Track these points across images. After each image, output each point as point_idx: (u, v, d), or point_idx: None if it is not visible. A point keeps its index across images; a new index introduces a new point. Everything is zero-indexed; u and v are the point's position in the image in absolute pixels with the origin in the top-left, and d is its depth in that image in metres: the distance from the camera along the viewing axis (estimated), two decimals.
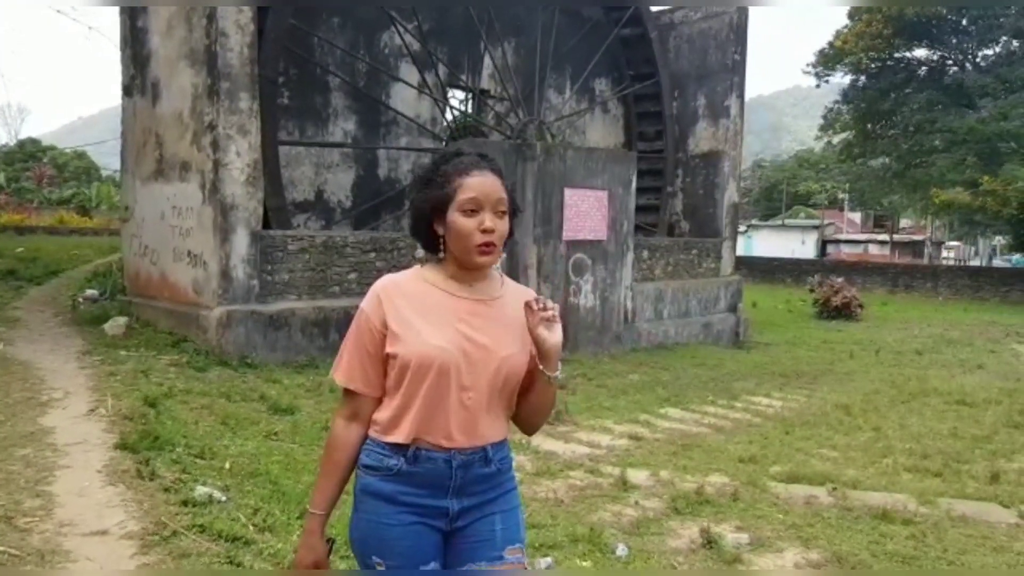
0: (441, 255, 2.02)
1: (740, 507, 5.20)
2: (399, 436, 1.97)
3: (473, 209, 1.94)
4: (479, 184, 1.94)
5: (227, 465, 5.18)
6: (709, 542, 4.46)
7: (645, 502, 5.26)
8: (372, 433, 2.02)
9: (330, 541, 2.07)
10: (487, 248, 1.94)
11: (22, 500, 4.14)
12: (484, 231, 1.93)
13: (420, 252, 2.01)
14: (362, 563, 2.03)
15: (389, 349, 1.97)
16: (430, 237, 2.01)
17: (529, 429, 2.16)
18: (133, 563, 3.51)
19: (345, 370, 2.04)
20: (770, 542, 4.60)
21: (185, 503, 4.24)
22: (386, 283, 2.03)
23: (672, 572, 4.14)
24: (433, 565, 1.99)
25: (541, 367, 2.00)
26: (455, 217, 1.94)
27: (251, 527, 4.06)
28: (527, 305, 1.96)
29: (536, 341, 1.97)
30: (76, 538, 3.72)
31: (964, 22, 29.18)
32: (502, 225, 1.96)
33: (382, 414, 2.00)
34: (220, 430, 6.12)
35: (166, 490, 4.43)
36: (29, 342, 9.11)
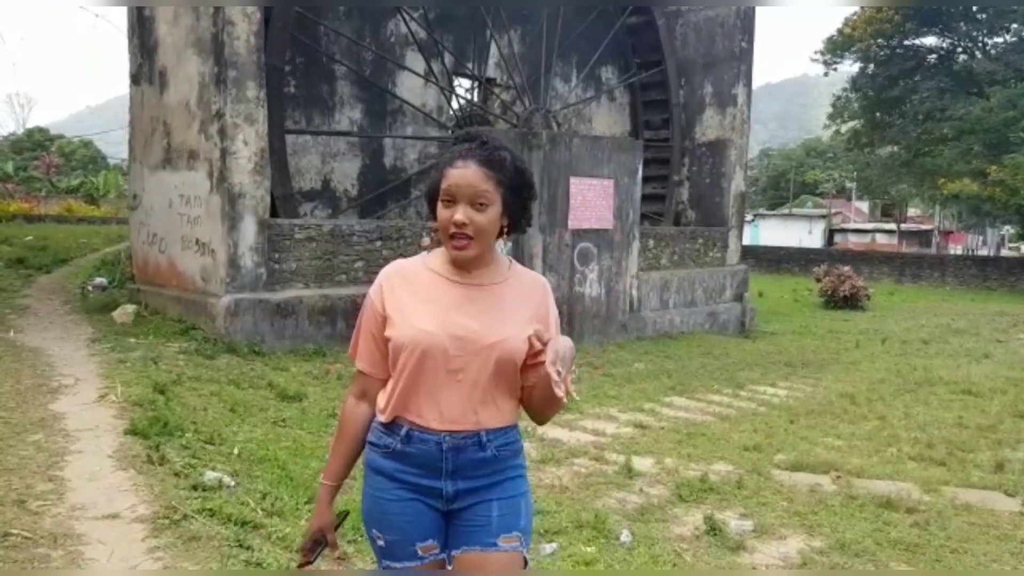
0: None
1: (744, 494, 5.24)
2: (390, 416, 2.04)
3: (449, 201, 1.96)
4: (458, 176, 1.95)
5: (236, 451, 5.23)
6: (713, 529, 4.49)
7: (650, 489, 5.30)
8: (376, 412, 2.10)
9: (343, 514, 2.16)
10: (458, 242, 1.96)
11: (34, 484, 4.19)
12: (454, 223, 1.95)
13: (425, 241, 2.03)
14: (368, 536, 2.12)
15: (386, 332, 2.03)
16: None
17: (537, 419, 2.17)
18: (144, 546, 3.55)
19: (356, 351, 2.13)
20: (774, 529, 4.64)
21: (195, 487, 4.29)
22: (389, 269, 2.10)
23: (676, 558, 4.17)
24: (431, 542, 2.04)
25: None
26: (438, 207, 1.99)
27: (260, 511, 4.11)
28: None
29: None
30: (88, 521, 3.77)
31: (974, 9, 28.93)
32: (480, 218, 1.95)
33: (381, 396, 2.08)
34: (229, 417, 6.17)
35: (176, 475, 4.48)
36: (39, 329, 9.18)
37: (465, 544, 2.03)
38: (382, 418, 2.05)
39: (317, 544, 2.14)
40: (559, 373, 1.83)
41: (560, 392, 1.82)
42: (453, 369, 1.98)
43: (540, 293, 2.12)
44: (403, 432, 2.02)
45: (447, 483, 2.02)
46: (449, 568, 2.05)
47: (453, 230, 1.96)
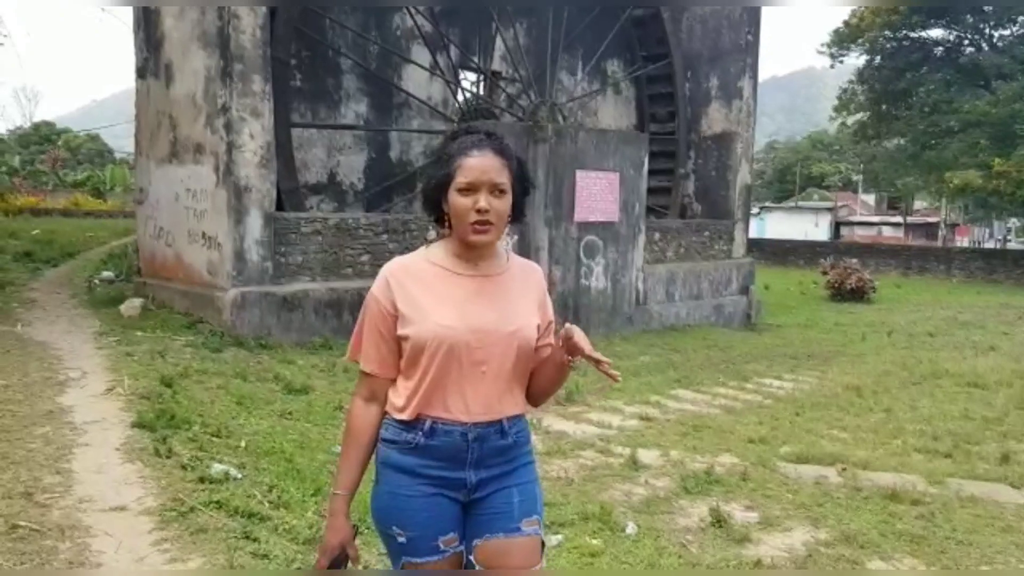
0: (447, 231, 2.07)
1: (750, 487, 5.24)
2: (414, 414, 2.02)
3: (469, 189, 1.98)
4: (476, 164, 1.98)
5: (243, 443, 5.25)
6: (718, 521, 4.49)
7: (655, 481, 5.31)
8: (390, 411, 2.08)
9: (354, 528, 2.11)
10: (481, 227, 1.99)
11: (42, 477, 4.21)
12: (478, 211, 1.97)
13: (431, 234, 2.06)
14: (383, 534, 2.10)
15: (400, 331, 2.02)
16: (439, 214, 2.07)
17: (538, 402, 2.21)
18: (151, 538, 3.58)
19: (361, 353, 2.10)
20: (779, 521, 4.63)
21: (202, 480, 4.31)
22: (393, 266, 2.09)
23: (681, 550, 4.18)
24: (452, 535, 2.04)
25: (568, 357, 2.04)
26: (454, 197, 2.00)
27: (266, 504, 4.13)
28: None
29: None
30: (95, 513, 3.79)
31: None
32: (499, 205, 2.00)
33: (398, 393, 2.06)
34: (236, 409, 6.19)
35: (183, 467, 4.50)
36: (46, 323, 9.22)
37: (488, 532, 2.05)
38: (402, 416, 2.04)
39: (339, 562, 2.06)
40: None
41: (614, 372, 2.00)
42: (477, 361, 2.00)
43: (537, 280, 2.19)
44: (426, 426, 2.02)
45: (471, 473, 2.04)
46: (469, 558, 2.05)
47: (475, 217, 1.98)
